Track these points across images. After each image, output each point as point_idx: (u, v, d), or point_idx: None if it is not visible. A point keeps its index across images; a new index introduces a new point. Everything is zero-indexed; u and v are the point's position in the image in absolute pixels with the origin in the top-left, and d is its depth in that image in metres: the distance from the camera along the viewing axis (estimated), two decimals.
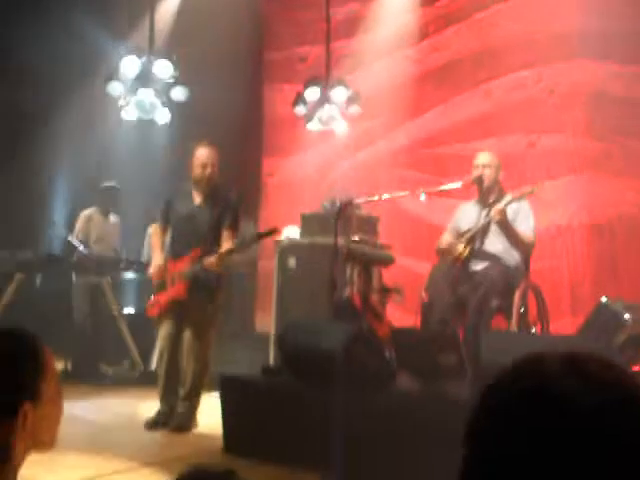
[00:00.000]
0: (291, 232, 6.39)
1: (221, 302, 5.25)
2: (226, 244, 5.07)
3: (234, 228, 5.15)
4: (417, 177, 8.11)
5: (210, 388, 5.39)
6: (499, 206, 4.81)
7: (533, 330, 4.78)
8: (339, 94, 7.69)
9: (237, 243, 5.07)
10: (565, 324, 6.68)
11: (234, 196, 5.26)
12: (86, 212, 7.77)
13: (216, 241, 5.10)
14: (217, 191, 5.22)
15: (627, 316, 4.04)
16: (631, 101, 7.53)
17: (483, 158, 5.13)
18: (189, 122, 7.99)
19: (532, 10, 8.05)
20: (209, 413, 5.17)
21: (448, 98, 8.39)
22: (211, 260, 4.95)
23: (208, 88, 8.04)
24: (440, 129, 8.43)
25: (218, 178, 5.24)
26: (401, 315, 6.57)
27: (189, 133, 7.61)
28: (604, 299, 4.12)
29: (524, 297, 4.77)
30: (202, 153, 5.20)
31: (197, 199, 5.22)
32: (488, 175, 5.05)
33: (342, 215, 5.28)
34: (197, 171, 5.17)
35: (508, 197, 4.93)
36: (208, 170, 5.14)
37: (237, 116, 8.92)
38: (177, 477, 1.18)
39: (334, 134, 7.86)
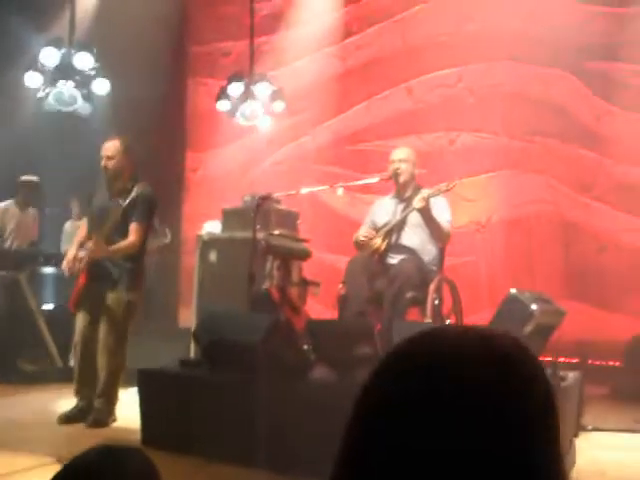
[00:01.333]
0: (213, 227, 6.40)
1: (134, 295, 5.19)
2: (131, 237, 5.04)
3: (142, 221, 5.10)
4: (340, 173, 8.20)
5: (131, 383, 5.35)
6: (421, 194, 4.88)
7: (447, 322, 4.90)
8: (262, 90, 7.73)
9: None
10: (482, 318, 6.84)
11: (144, 189, 5.19)
12: (1, 205, 7.64)
13: (125, 234, 5.06)
14: (126, 184, 5.17)
15: (534, 306, 4.16)
16: (548, 102, 7.78)
17: (399, 153, 5.22)
18: (111, 115, 7.90)
19: (453, 11, 8.22)
20: (128, 407, 5.13)
21: (371, 96, 8.51)
22: (90, 246, 4.92)
23: (130, 81, 7.96)
24: (363, 126, 8.55)
25: (125, 170, 5.17)
26: (322, 308, 6.66)
27: (110, 126, 7.52)
28: (513, 290, 4.24)
29: (438, 290, 4.88)
30: (105, 146, 5.18)
31: (109, 193, 5.20)
32: (404, 170, 5.14)
33: (261, 209, 5.32)
34: (102, 164, 5.16)
35: (425, 191, 5.02)
36: (109, 162, 5.12)
37: (160, 110, 8.86)
38: (84, 452, 1.18)
39: (258, 129, 7.89)
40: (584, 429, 4.95)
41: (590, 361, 7.13)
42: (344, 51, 8.77)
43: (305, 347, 4.28)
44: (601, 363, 7.13)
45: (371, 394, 0.82)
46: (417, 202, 4.85)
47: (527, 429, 0.78)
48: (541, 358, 4.84)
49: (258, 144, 8.62)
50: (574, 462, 4.14)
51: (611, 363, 7.00)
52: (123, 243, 5.01)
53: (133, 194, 5.09)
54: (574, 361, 7.07)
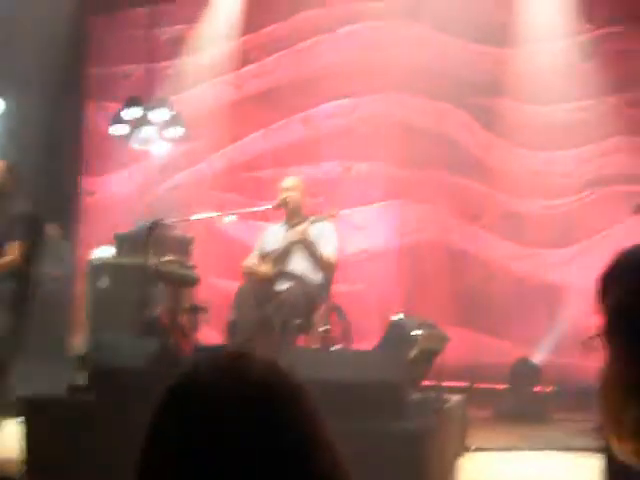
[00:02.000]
0: (105, 252, 6.34)
1: (12, 317, 5.05)
2: (9, 254, 4.94)
3: (22, 241, 4.99)
4: (236, 200, 8.24)
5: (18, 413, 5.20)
6: (301, 227, 5.01)
7: (335, 347, 5.00)
8: (160, 115, 7.72)
9: None
10: (372, 344, 6.99)
11: (24, 208, 5.10)
12: None
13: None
14: (8, 204, 5.07)
15: (418, 332, 4.32)
16: (438, 134, 8.05)
17: (288, 182, 5.35)
18: (5, 135, 7.74)
19: (350, 43, 8.43)
20: (12, 438, 4.99)
21: (267, 124, 8.60)
22: None
23: (27, 102, 7.83)
24: (260, 153, 8.63)
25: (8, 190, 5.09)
26: (216, 334, 6.66)
27: (3, 148, 7.38)
28: (397, 316, 4.40)
29: (326, 316, 4.99)
30: None
31: None
32: (292, 198, 5.25)
33: (153, 235, 5.33)
34: None
35: (312, 218, 5.15)
36: None
37: (57, 132, 8.71)
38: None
39: (154, 154, 7.87)
40: (468, 450, 5.12)
41: (477, 384, 7.36)
42: (242, 79, 8.84)
43: None
44: (487, 386, 7.36)
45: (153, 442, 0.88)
46: (295, 234, 4.99)
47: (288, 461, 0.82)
48: (426, 382, 5.00)
49: (154, 169, 8.57)
50: None
51: (496, 386, 7.23)
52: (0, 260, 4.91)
53: (15, 214, 4.99)
54: (462, 385, 7.30)
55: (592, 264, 7.68)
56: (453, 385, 7.12)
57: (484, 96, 7.96)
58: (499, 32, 7.82)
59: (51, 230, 8.47)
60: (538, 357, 7.31)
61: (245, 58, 8.81)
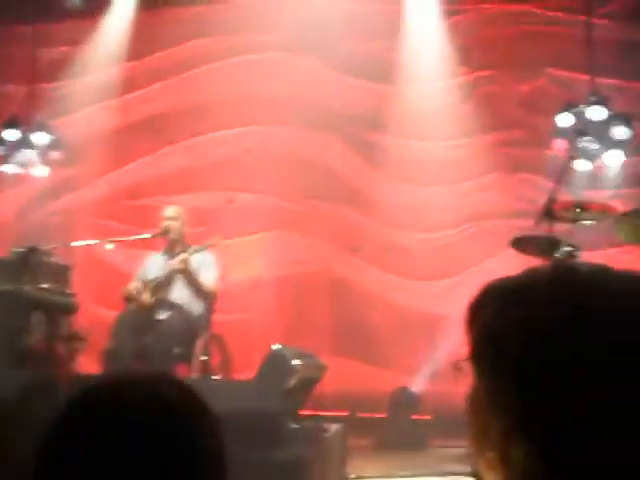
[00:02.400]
0: None
1: None
2: None
3: None
4: (117, 227, 8.08)
5: None
6: (182, 256, 5.00)
7: (215, 377, 4.98)
8: (40, 138, 7.55)
9: None
10: (254, 372, 7.00)
11: None
12: None
13: None
14: None
15: (296, 362, 4.35)
16: (320, 166, 8.18)
17: (170, 211, 5.33)
18: None
19: (237, 74, 8.47)
20: None
21: (152, 151, 8.51)
22: None
23: None
24: (143, 181, 8.52)
25: None
26: (94, 363, 6.48)
27: None
28: (275, 346, 4.42)
29: (206, 346, 4.97)
30: None
31: None
32: (174, 227, 5.23)
33: (30, 261, 5.18)
34: None
35: (193, 247, 5.13)
36: None
37: None
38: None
39: (33, 178, 7.66)
40: (347, 478, 5.17)
41: (357, 414, 7.45)
42: (128, 105, 8.72)
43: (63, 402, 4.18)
44: (367, 415, 7.46)
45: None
46: (176, 263, 4.97)
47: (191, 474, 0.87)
48: (305, 412, 5.04)
49: (35, 193, 8.33)
50: None
51: (376, 415, 7.34)
52: None
53: None
54: (342, 414, 7.37)
55: (468, 295, 7.96)
56: (333, 414, 7.21)
57: (366, 130, 8.15)
58: (384, 69, 8.04)
59: None
60: (417, 386, 7.47)
61: (132, 84, 8.70)
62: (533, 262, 4.99)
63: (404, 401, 7.05)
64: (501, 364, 0.83)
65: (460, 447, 6.29)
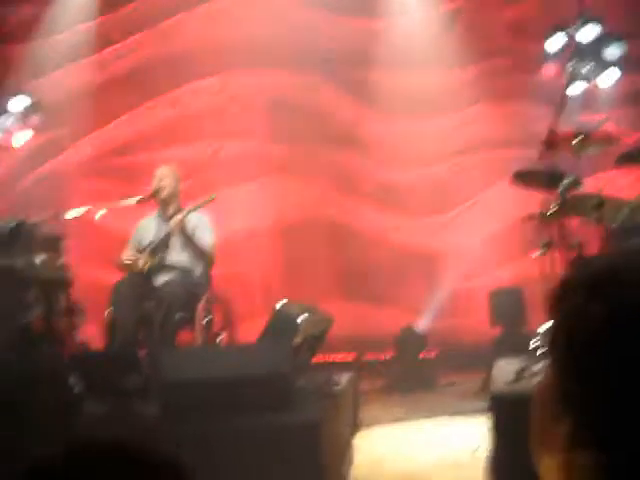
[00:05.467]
0: None
1: None
2: None
3: None
4: (105, 187, 7.91)
5: None
6: (177, 218, 4.88)
7: (219, 338, 4.91)
8: (17, 103, 7.32)
9: None
10: (257, 328, 6.90)
11: None
12: None
13: None
14: None
15: (302, 318, 4.27)
16: (311, 108, 8.00)
17: (161, 172, 5.18)
18: None
19: (216, 19, 8.20)
20: None
21: (134, 106, 8.29)
22: None
23: None
24: (127, 138, 8.31)
25: None
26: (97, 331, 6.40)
27: None
28: (280, 304, 4.34)
29: (208, 308, 4.88)
30: None
31: None
32: (166, 188, 5.09)
33: (20, 235, 5.05)
34: None
35: (187, 209, 5.01)
36: None
37: None
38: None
39: (15, 145, 7.46)
40: (361, 427, 5.16)
41: (365, 356, 7.45)
42: (105, 61, 8.43)
43: (71, 381, 4.12)
44: (375, 357, 7.46)
45: None
46: (173, 225, 4.85)
47: None
48: (316, 362, 4.99)
49: (17, 160, 8.12)
50: (352, 461, 4.31)
51: (384, 356, 7.33)
52: None
53: None
54: (349, 358, 7.38)
55: (467, 229, 7.91)
56: (341, 359, 7.21)
57: (353, 68, 7.94)
58: (367, 4, 7.84)
59: None
60: (422, 324, 7.45)
61: (107, 39, 8.41)
62: (533, 196, 4.90)
63: (410, 341, 7.02)
64: (588, 357, 0.74)
65: (467, 383, 6.34)
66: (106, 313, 4.79)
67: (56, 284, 5.17)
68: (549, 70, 7.08)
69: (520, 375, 3.75)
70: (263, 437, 3.49)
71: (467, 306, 7.71)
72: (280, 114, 7.93)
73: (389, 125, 8.00)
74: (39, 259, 5.16)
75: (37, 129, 7.51)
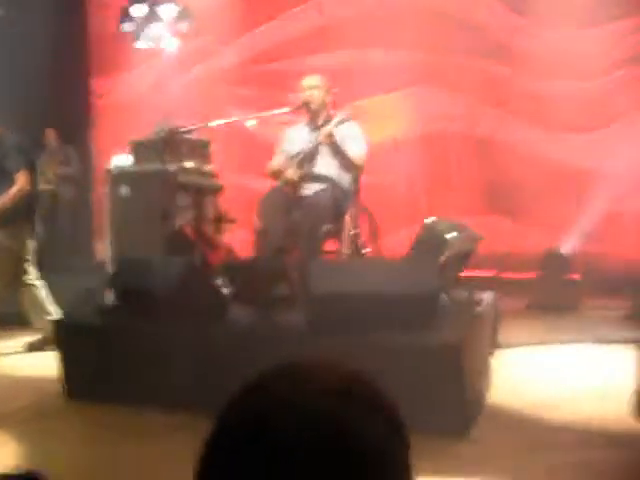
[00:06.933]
0: (122, 160, 6.14)
1: (14, 239, 5.19)
2: (16, 187, 5.12)
3: (24, 169, 5.15)
4: (250, 94, 7.97)
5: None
6: (327, 128, 4.82)
7: (365, 251, 4.88)
8: (167, 10, 7.41)
9: None
10: (403, 237, 6.82)
11: (16, 139, 5.19)
12: None
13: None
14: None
15: (450, 235, 4.17)
16: (462, 18, 7.68)
17: (310, 81, 5.09)
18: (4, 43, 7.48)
19: None
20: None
21: (280, 13, 8.23)
22: None
23: (24, 7, 7.51)
24: (272, 45, 8.29)
25: None
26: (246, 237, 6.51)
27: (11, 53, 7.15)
28: (428, 220, 4.24)
29: (354, 220, 4.84)
30: None
31: None
32: (316, 97, 5.02)
33: (171, 141, 5.14)
34: None
35: (336, 119, 4.93)
36: None
37: (60, 36, 8.36)
38: None
39: (165, 51, 7.59)
40: (499, 347, 5.06)
41: (506, 274, 7.28)
42: None
43: (221, 287, 4.21)
44: (517, 276, 7.28)
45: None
46: (322, 136, 4.79)
47: (363, 465, 0.74)
48: (461, 277, 4.89)
49: (167, 66, 8.26)
50: (490, 382, 4.25)
51: (526, 276, 7.14)
52: (12, 191, 5.10)
53: (7, 145, 5.06)
54: (490, 275, 7.22)
55: (622, 148, 7.46)
56: (483, 276, 7.07)
57: None
58: None
59: (50, 135, 8.33)
60: (568, 245, 7.18)
61: None
62: None
63: (555, 262, 6.79)
64: None
65: (614, 309, 6.07)
66: (255, 222, 4.84)
67: (206, 190, 5.26)
68: None
69: None
70: (405, 354, 3.47)
71: (616, 230, 7.35)
72: (431, 23, 7.68)
73: (543, 36, 7.57)
74: (189, 164, 5.26)
75: (185, 36, 7.59)
